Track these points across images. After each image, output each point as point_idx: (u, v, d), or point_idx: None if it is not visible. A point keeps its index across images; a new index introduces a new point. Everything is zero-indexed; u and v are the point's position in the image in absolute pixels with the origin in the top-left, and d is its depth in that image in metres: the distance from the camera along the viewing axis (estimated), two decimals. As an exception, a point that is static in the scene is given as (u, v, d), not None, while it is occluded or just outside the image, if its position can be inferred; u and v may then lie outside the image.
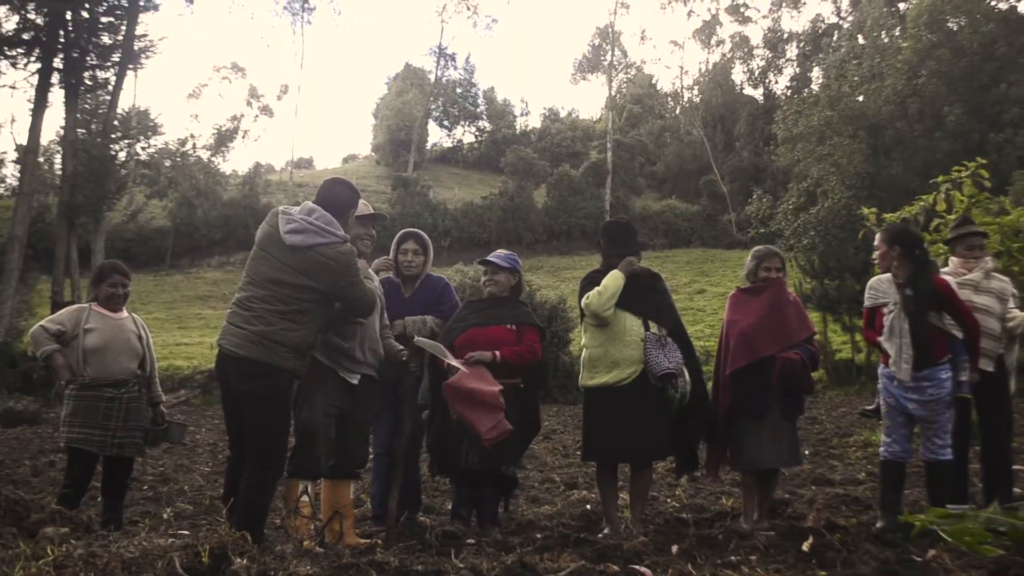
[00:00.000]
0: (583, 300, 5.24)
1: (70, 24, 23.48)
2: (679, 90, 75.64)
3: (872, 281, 5.38)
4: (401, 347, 5.06)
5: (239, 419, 4.46)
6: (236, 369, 4.32)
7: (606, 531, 4.99)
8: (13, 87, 24.12)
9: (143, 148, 37.84)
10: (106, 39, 24.53)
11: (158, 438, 5.87)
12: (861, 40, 48.25)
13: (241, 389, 4.33)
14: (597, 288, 5.16)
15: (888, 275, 5.21)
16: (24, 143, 25.31)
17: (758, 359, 5.13)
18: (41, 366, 20.62)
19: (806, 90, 41.52)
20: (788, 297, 5.41)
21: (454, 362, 4.85)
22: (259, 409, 4.32)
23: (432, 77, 72.03)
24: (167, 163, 49.36)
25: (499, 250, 5.79)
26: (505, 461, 5.22)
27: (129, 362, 5.50)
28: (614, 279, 5.13)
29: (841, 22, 62.88)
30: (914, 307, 4.95)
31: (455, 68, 76.53)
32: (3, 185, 48.08)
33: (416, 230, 5.88)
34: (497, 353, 5.15)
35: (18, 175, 28.82)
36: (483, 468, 5.14)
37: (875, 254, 5.33)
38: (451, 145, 78.93)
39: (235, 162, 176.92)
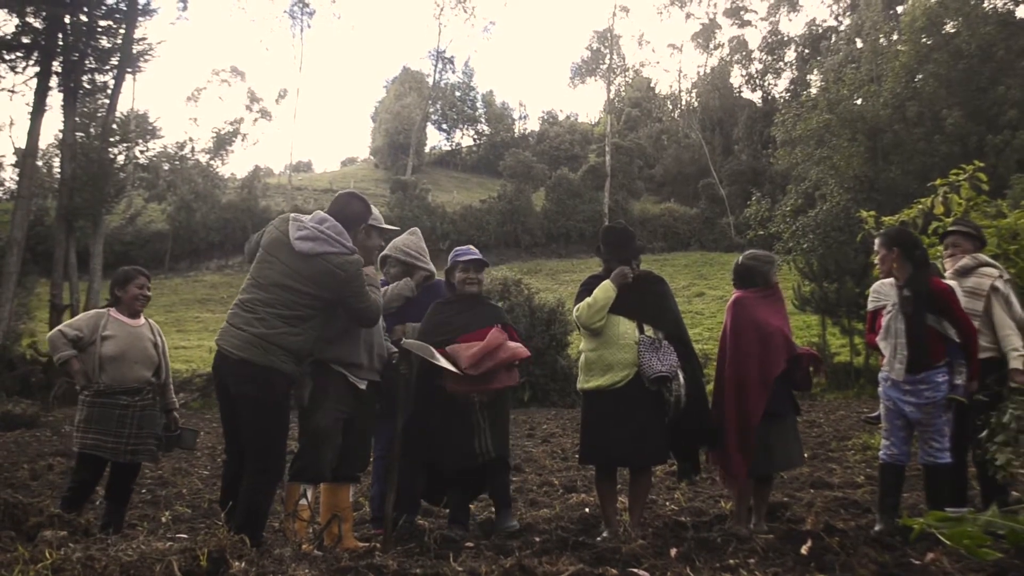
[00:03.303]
0: (574, 311, 5.28)
1: (69, 28, 23.49)
2: (677, 93, 75.75)
3: (875, 285, 5.38)
4: (394, 350, 5.06)
5: (236, 421, 4.47)
6: (234, 370, 4.34)
7: (605, 534, 4.98)
8: (12, 91, 23.91)
9: (142, 151, 37.93)
10: (105, 43, 24.54)
11: (171, 444, 5.90)
12: (859, 43, 48.37)
13: (238, 391, 4.35)
14: (587, 300, 5.18)
15: (890, 279, 5.22)
16: (23, 146, 25.30)
17: (793, 358, 5.19)
18: (40, 369, 20.69)
19: (804, 93, 41.47)
20: None
21: (442, 362, 4.84)
22: (256, 412, 4.33)
23: (430, 81, 72.13)
24: (166, 166, 49.44)
25: (468, 247, 5.76)
26: (507, 447, 5.40)
27: (144, 371, 5.53)
28: (604, 291, 5.14)
29: (839, 25, 63.00)
30: (911, 308, 4.96)
31: (453, 71, 76.78)
32: (2, 188, 48.16)
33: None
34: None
35: (17, 178, 28.82)
36: (499, 455, 5.21)
37: (875, 258, 5.32)
38: (450, 148, 79.08)
39: (234, 165, 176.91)
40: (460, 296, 5.52)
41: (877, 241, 5.30)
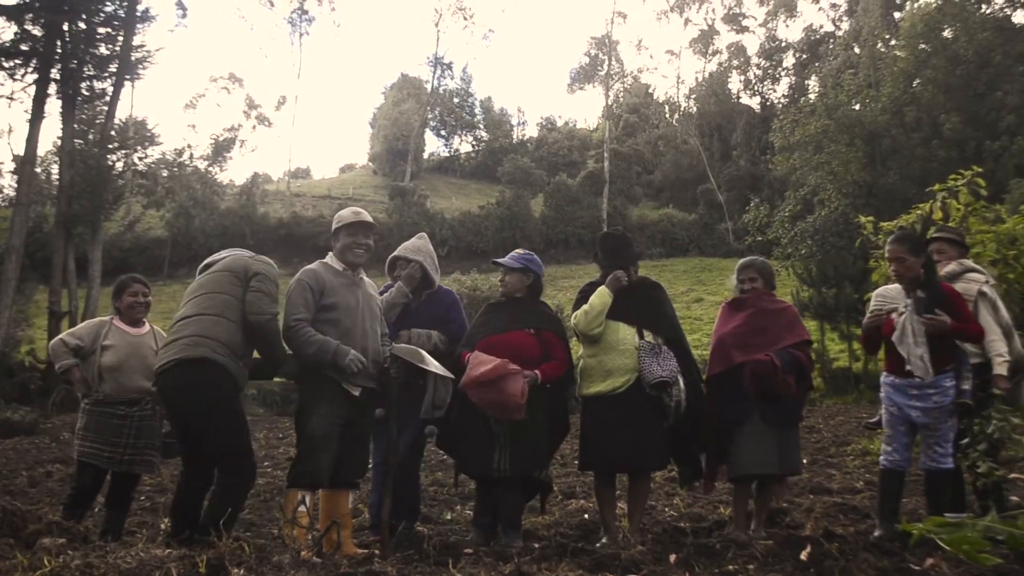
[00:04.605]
0: (572, 319, 5.28)
1: (67, 35, 23.50)
2: (676, 99, 75.89)
3: (880, 290, 5.32)
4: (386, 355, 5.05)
5: (195, 440, 4.67)
6: (175, 380, 4.54)
7: (604, 540, 4.97)
8: (11, 98, 23.91)
9: (140, 158, 37.74)
10: (103, 50, 24.55)
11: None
12: (857, 49, 48.48)
13: (185, 400, 4.57)
14: (584, 307, 5.18)
15: (895, 284, 5.18)
16: (21, 153, 25.32)
17: (732, 366, 5.15)
18: (39, 377, 20.66)
19: (803, 99, 41.64)
20: (769, 306, 5.38)
21: (432, 367, 4.82)
22: (208, 415, 4.53)
23: (429, 87, 72.25)
24: (164, 173, 49.33)
25: (516, 250, 5.74)
26: (537, 466, 5.22)
27: (144, 381, 5.51)
28: (600, 296, 5.14)
29: (837, 31, 63.15)
30: (926, 310, 4.92)
31: (452, 78, 76.90)
32: (0, 195, 48.10)
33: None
34: (538, 373, 5.06)
35: (15, 185, 28.78)
36: (515, 475, 5.09)
37: (892, 265, 5.15)
38: (448, 155, 79.23)
39: (232, 172, 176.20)
40: (507, 300, 5.52)
41: (896, 247, 5.12)
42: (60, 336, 5.71)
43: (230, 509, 4.40)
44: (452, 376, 4.96)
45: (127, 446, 5.40)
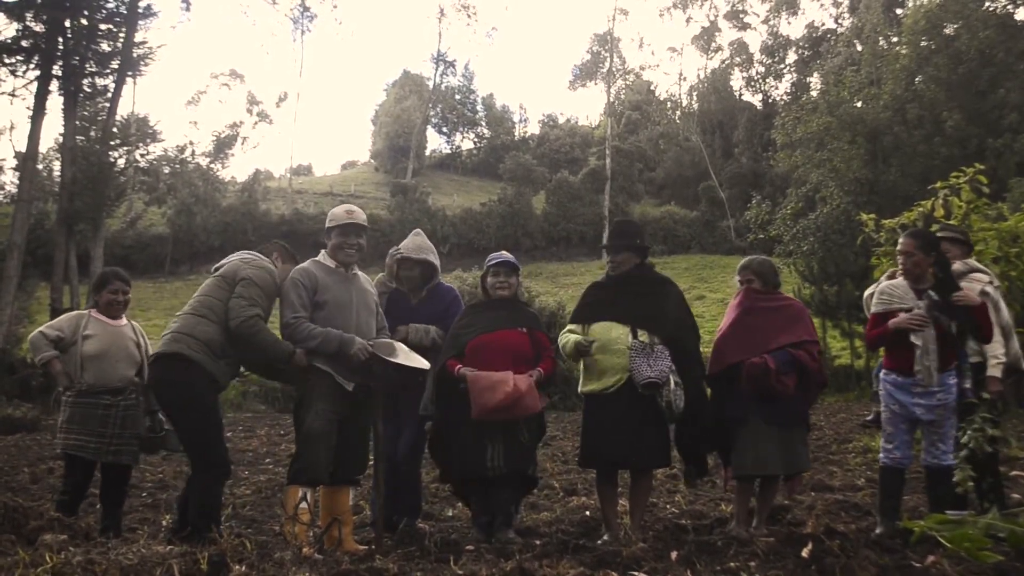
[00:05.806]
0: (560, 338, 5.30)
1: (69, 31, 23.49)
2: (678, 96, 75.75)
3: (885, 286, 5.26)
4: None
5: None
6: (157, 372, 4.82)
7: (605, 537, 4.98)
8: (12, 94, 23.91)
9: (142, 155, 37.91)
10: (105, 46, 24.54)
11: (155, 446, 5.83)
12: (859, 46, 48.41)
13: (162, 394, 4.85)
14: (562, 341, 5.22)
15: (902, 280, 5.15)
16: (23, 150, 25.31)
17: (728, 367, 5.16)
18: (40, 373, 20.65)
19: (804, 96, 41.52)
20: (764, 305, 5.34)
21: (403, 361, 4.83)
22: (182, 412, 4.75)
23: (431, 84, 72.17)
24: (166, 170, 49.38)
25: (501, 252, 5.73)
26: (528, 462, 5.24)
27: (127, 370, 5.50)
28: (572, 345, 5.14)
29: (838, 28, 63.06)
30: (938, 310, 4.91)
31: (454, 75, 76.78)
32: (2, 192, 48.15)
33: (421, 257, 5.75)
34: (541, 370, 5.15)
35: (17, 182, 28.85)
36: (509, 471, 5.10)
37: (900, 258, 5.15)
38: (450, 152, 79.17)
39: (234, 169, 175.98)
40: (492, 300, 5.50)
41: (909, 243, 5.11)
42: (40, 329, 5.69)
43: (207, 505, 4.62)
44: (425, 366, 5.02)
45: (113, 436, 5.38)
